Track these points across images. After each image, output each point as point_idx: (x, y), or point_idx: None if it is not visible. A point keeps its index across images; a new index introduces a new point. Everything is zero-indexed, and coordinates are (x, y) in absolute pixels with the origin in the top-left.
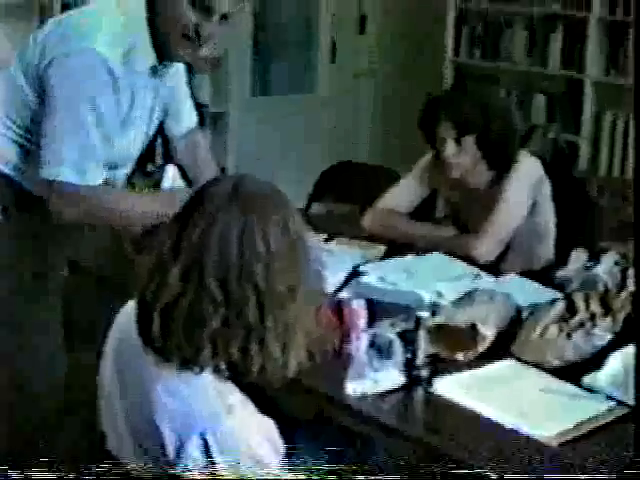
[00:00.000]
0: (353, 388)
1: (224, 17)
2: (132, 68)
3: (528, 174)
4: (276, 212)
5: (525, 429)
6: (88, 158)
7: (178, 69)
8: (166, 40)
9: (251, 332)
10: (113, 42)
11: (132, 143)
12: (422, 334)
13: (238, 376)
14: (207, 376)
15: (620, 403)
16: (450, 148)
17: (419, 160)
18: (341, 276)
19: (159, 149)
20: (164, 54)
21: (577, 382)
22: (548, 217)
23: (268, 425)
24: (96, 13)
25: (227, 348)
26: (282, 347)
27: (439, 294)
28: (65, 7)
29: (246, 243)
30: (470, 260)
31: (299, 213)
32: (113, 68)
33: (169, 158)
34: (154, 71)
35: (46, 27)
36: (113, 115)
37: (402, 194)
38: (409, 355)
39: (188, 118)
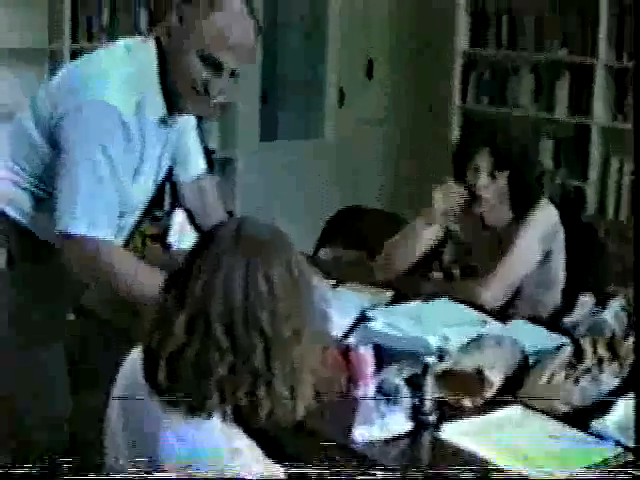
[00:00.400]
0: (360, 434)
1: (233, 73)
2: (143, 118)
3: (544, 222)
4: (279, 255)
5: (532, 475)
6: (103, 211)
7: (188, 117)
8: (176, 93)
9: (258, 377)
10: (124, 93)
11: (142, 192)
12: (429, 380)
13: (247, 420)
14: (214, 420)
15: (627, 449)
16: (483, 179)
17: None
18: (348, 321)
19: (167, 194)
20: (173, 106)
21: (584, 428)
22: (559, 265)
23: (275, 470)
24: (105, 63)
25: (235, 394)
26: (290, 390)
27: (446, 340)
28: (75, 53)
29: (251, 288)
30: (477, 305)
31: (300, 253)
32: (125, 119)
33: (177, 203)
34: (163, 121)
35: (56, 78)
36: (126, 166)
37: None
38: (416, 401)
39: (196, 164)
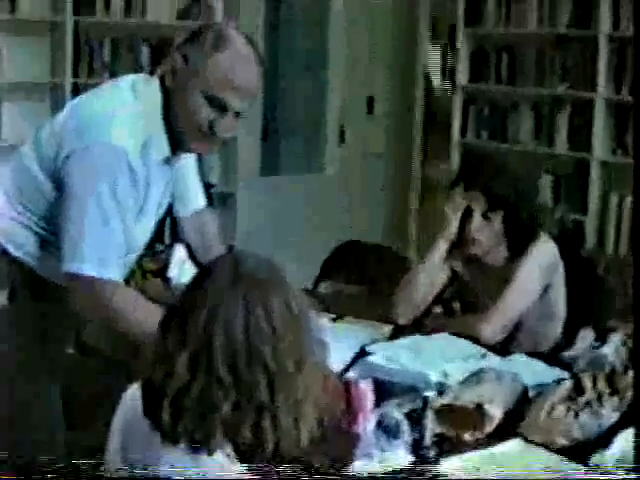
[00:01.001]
0: (360, 468)
1: (238, 114)
2: (148, 159)
3: (543, 256)
4: (277, 289)
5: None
6: (111, 252)
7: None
8: (180, 134)
9: (263, 412)
10: (130, 134)
11: (145, 231)
12: (429, 414)
13: (252, 454)
14: (217, 456)
15: None
16: (476, 222)
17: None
18: (348, 356)
19: (167, 229)
20: (178, 145)
21: (584, 462)
22: (560, 299)
23: None
24: (111, 102)
25: (239, 430)
26: (294, 421)
27: (446, 374)
28: (76, 87)
29: (251, 324)
30: (477, 339)
31: (299, 288)
32: (132, 161)
33: (177, 238)
34: (167, 161)
35: (60, 116)
36: (133, 207)
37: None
38: (416, 435)
39: (195, 199)
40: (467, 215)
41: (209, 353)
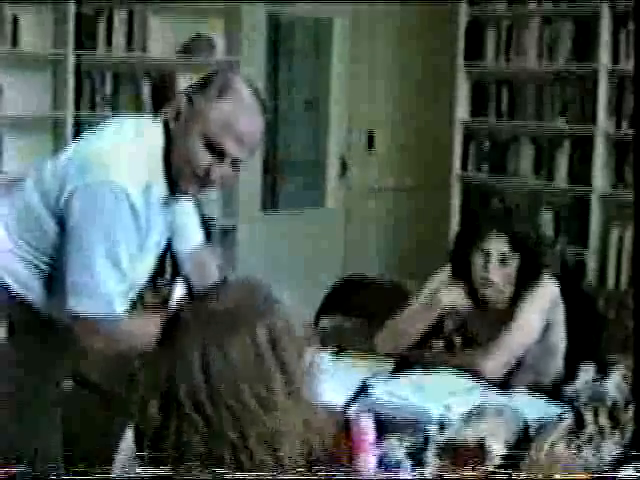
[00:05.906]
0: None
1: (235, 161)
2: (148, 201)
3: (545, 296)
4: (247, 323)
5: None
6: (117, 289)
7: None
8: (177, 177)
9: (236, 448)
10: (133, 175)
11: (146, 268)
12: (430, 450)
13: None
14: None
15: None
16: (494, 264)
17: (431, 279)
18: (350, 391)
19: (169, 264)
20: (175, 188)
21: None
22: (560, 336)
23: None
24: (115, 143)
25: (216, 464)
26: (272, 457)
27: (448, 409)
28: (77, 121)
29: (210, 367)
30: (478, 375)
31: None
32: (133, 201)
33: (178, 272)
34: (166, 202)
35: (64, 155)
36: (133, 245)
37: (415, 316)
38: (417, 471)
39: (194, 236)
40: (487, 258)
41: (176, 395)
